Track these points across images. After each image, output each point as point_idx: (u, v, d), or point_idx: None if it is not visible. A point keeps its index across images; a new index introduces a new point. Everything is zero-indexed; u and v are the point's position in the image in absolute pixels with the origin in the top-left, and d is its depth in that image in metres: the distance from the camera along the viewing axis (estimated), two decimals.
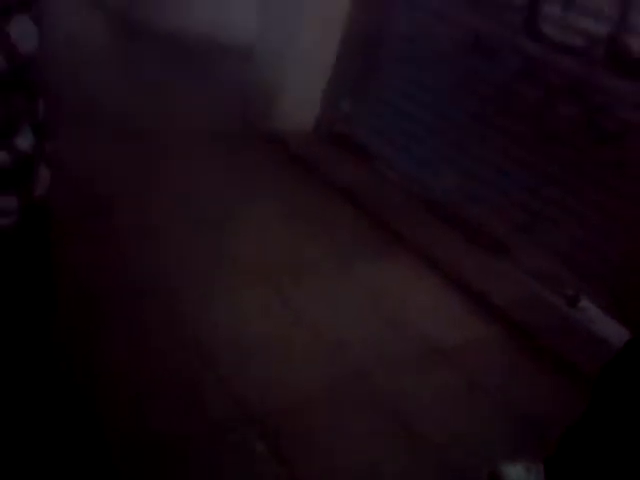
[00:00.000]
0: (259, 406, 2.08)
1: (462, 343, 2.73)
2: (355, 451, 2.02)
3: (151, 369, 2.09)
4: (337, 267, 3.02)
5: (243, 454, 1.90)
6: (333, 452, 1.99)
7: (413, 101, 3.77)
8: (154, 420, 1.90)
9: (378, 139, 4.03)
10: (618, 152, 2.88)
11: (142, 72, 4.70)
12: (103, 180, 3.13)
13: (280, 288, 2.73)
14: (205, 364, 2.19)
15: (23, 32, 0.89)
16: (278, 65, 4.09)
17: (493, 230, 3.42)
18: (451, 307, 2.97)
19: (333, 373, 2.34)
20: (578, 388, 2.38)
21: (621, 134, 2.87)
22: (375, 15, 3.94)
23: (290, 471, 1.88)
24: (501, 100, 3.34)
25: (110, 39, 5.45)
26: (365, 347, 2.51)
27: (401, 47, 3.83)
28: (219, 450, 1.87)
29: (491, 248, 3.39)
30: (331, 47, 4.10)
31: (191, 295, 2.52)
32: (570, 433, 1.96)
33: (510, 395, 2.47)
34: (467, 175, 3.53)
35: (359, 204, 3.58)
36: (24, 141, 0.95)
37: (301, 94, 4.12)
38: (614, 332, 2.84)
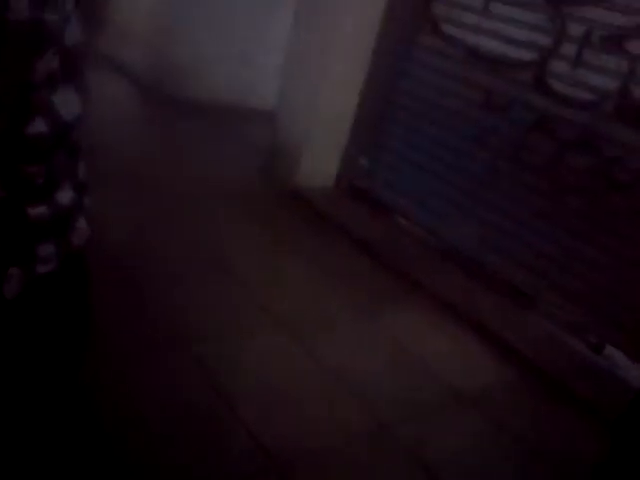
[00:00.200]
0: (280, 453, 2.10)
1: (485, 388, 2.75)
2: None
3: (175, 413, 2.14)
4: (357, 316, 3.08)
5: None
6: None
7: (428, 156, 3.89)
8: (180, 458, 1.95)
9: (396, 193, 4.14)
10: (631, 201, 2.94)
11: (170, 138, 4.91)
12: (138, 239, 3.26)
13: (303, 337, 2.79)
14: (229, 408, 2.23)
15: (67, 101, 1.01)
16: (299, 126, 4.27)
17: (511, 278, 3.46)
18: (472, 353, 2.99)
19: (354, 420, 2.37)
20: (603, 430, 2.37)
21: (633, 184, 2.93)
22: (390, 76, 4.11)
23: None
24: (514, 153, 3.44)
25: (139, 108, 5.73)
26: (387, 395, 2.54)
27: (415, 105, 3.97)
28: None
29: (510, 296, 3.42)
30: (350, 107, 4.28)
31: (221, 342, 2.60)
32: (596, 472, 1.95)
33: (538, 438, 2.48)
34: (483, 225, 3.60)
35: (378, 256, 3.66)
36: (64, 197, 1.06)
37: (322, 152, 4.28)
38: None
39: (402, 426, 2.39)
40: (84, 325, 1.17)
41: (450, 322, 3.18)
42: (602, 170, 3.05)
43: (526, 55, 3.37)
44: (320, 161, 4.32)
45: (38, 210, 1.01)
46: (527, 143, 3.39)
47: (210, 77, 5.61)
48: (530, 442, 2.46)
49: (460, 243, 3.76)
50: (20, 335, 1.06)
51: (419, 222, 4.03)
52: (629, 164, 2.95)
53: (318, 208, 4.12)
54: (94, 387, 2.03)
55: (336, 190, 4.43)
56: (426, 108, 3.91)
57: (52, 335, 1.11)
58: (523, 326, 3.22)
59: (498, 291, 3.46)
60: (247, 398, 2.32)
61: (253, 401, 2.32)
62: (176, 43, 5.50)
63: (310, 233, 3.87)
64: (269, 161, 4.49)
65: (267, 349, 2.66)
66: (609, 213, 3.04)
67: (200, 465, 1.97)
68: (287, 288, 3.18)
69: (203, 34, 5.50)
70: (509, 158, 3.47)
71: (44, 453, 1.24)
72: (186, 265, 3.14)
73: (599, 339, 3.10)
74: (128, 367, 2.32)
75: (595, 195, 3.08)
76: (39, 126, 0.96)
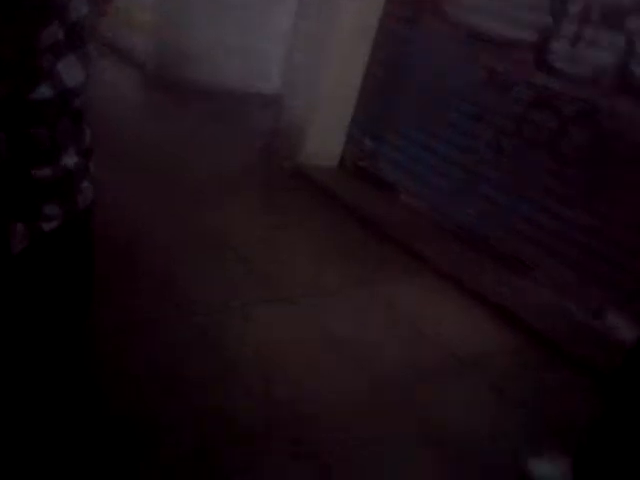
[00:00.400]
0: (285, 416, 2.17)
1: (485, 353, 2.81)
2: (386, 455, 2.10)
3: (186, 383, 2.22)
4: (362, 288, 3.15)
5: (274, 459, 2.00)
6: (354, 453, 2.07)
7: (432, 135, 3.94)
8: (193, 431, 2.03)
9: (400, 172, 4.19)
10: (630, 173, 2.97)
11: (174, 122, 4.98)
12: (140, 219, 3.34)
13: (304, 306, 2.86)
14: (235, 376, 2.31)
15: (70, 69, 1.08)
16: (303, 107, 4.32)
17: (512, 249, 3.51)
18: (473, 320, 3.06)
19: (355, 383, 2.43)
20: (603, 390, 2.43)
21: (632, 157, 2.96)
22: (393, 56, 4.14)
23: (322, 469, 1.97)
24: (516, 130, 3.47)
25: (143, 93, 5.80)
26: (393, 360, 2.61)
27: (418, 85, 4.01)
28: (254, 454, 1.98)
29: (511, 266, 3.47)
30: (353, 88, 4.32)
31: (228, 315, 2.67)
32: (594, 428, 2.02)
33: (536, 398, 2.55)
34: (485, 200, 3.64)
35: (381, 231, 3.72)
36: (69, 160, 1.12)
37: (325, 132, 4.33)
38: None
39: (403, 388, 2.46)
40: (87, 284, 1.25)
41: (451, 291, 3.25)
42: (602, 144, 3.09)
43: (527, 34, 3.40)
44: (324, 141, 4.38)
45: (43, 172, 1.08)
46: (529, 120, 3.42)
47: (214, 62, 5.67)
48: (530, 402, 2.52)
49: (462, 218, 3.81)
50: (24, 290, 1.14)
51: (422, 199, 4.09)
52: (628, 137, 2.98)
53: (322, 187, 4.19)
54: (92, 351, 2.12)
55: (340, 170, 4.49)
56: (429, 88, 3.94)
57: (55, 292, 1.18)
58: (523, 293, 3.28)
59: (499, 262, 3.52)
60: (249, 364, 2.39)
61: (255, 367, 2.38)
62: (180, 29, 5.56)
63: (313, 211, 3.93)
64: (273, 142, 4.55)
65: (268, 318, 2.72)
66: (610, 184, 3.07)
67: (202, 421, 2.05)
68: (288, 261, 3.25)
69: (207, 19, 5.55)
70: (511, 135, 3.51)
71: (41, 407, 1.30)
72: (188, 240, 3.21)
73: (598, 304, 3.15)
74: (128, 334, 2.40)
75: (595, 168, 3.12)
76: (44, 91, 1.03)
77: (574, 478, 2.05)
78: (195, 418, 2.06)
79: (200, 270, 2.97)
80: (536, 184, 3.39)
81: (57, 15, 1.02)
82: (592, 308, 3.21)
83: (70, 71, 1.08)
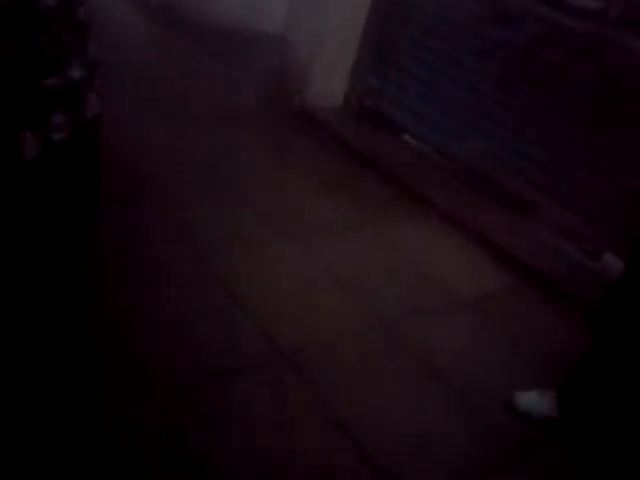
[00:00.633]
0: (290, 346, 2.26)
1: (484, 292, 2.87)
2: (379, 382, 2.19)
3: (189, 317, 2.29)
4: (365, 228, 3.19)
5: (275, 387, 2.08)
6: (357, 384, 2.16)
7: (437, 73, 3.90)
8: (193, 358, 2.11)
9: (405, 112, 4.17)
10: (636, 108, 2.96)
11: (180, 60, 4.94)
12: (150, 156, 3.37)
13: (308, 245, 2.91)
14: (241, 310, 2.38)
15: None
16: (307, 46, 4.26)
17: (517, 191, 3.53)
18: (475, 261, 3.11)
19: (358, 319, 2.51)
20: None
21: (638, 91, 2.95)
22: None
23: (319, 400, 2.05)
24: (522, 66, 3.44)
25: (149, 30, 5.72)
26: (392, 297, 2.68)
27: (424, 22, 3.95)
28: (253, 381, 2.06)
29: (515, 208, 3.50)
30: (357, 26, 4.25)
31: (229, 251, 2.73)
32: (580, 362, 2.09)
33: (531, 335, 2.62)
34: (491, 140, 3.64)
35: (384, 171, 3.73)
36: (75, 71, 1.16)
37: (330, 72, 4.29)
38: None
39: (404, 323, 2.53)
40: (93, 191, 1.29)
41: (452, 232, 3.29)
42: (607, 78, 3.06)
43: None
44: (328, 81, 4.34)
45: (50, 82, 1.11)
46: (534, 55, 3.39)
47: (221, 1, 5.56)
48: (523, 338, 2.60)
49: (465, 158, 3.82)
50: (36, 194, 1.18)
51: (426, 139, 4.08)
52: (633, 72, 2.96)
53: (325, 127, 4.17)
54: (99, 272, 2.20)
55: (345, 109, 4.46)
56: (434, 24, 3.89)
57: (64, 197, 1.23)
58: (523, 235, 3.31)
59: (500, 203, 3.54)
60: (257, 299, 2.46)
61: (263, 301, 2.45)
62: None
63: (316, 151, 3.93)
64: (278, 82, 4.51)
65: (274, 254, 2.78)
66: (613, 122, 3.07)
67: (209, 351, 2.14)
68: (291, 201, 3.28)
69: None
70: (516, 71, 3.48)
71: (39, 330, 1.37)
72: (194, 179, 3.24)
73: (595, 245, 3.19)
74: (133, 267, 2.47)
75: (600, 104, 3.11)
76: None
77: (559, 411, 2.13)
78: (194, 349, 2.14)
79: (203, 206, 3.01)
80: (540, 123, 3.38)
81: None
82: (589, 249, 3.26)
83: None
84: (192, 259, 2.62)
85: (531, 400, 2.16)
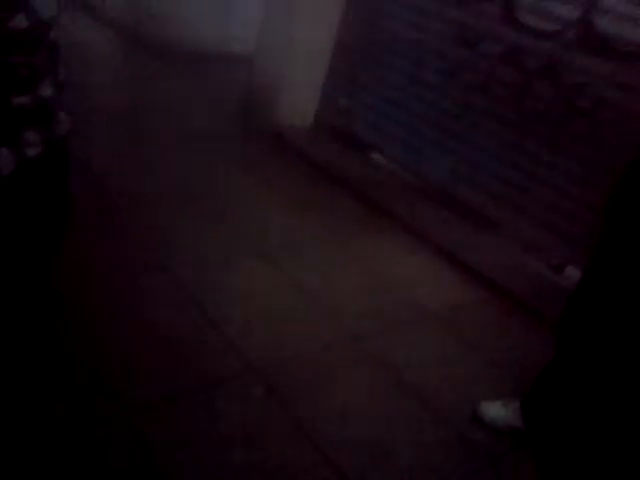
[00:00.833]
0: (259, 361, 2.29)
1: (451, 307, 2.94)
2: (347, 395, 2.22)
3: (158, 332, 2.31)
4: (334, 245, 3.24)
5: (244, 400, 2.10)
6: (325, 394, 2.20)
7: (405, 93, 4.00)
8: (162, 373, 2.12)
9: (374, 131, 4.26)
10: (591, 126, 3.09)
11: (149, 81, 4.97)
12: (118, 175, 3.38)
13: (278, 260, 2.95)
14: (212, 328, 2.40)
15: (44, 2, 1.14)
16: (277, 66, 4.34)
17: (483, 207, 3.62)
18: (440, 276, 3.18)
19: (327, 333, 2.55)
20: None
21: (593, 110, 3.07)
22: (366, 14, 4.18)
23: (287, 412, 2.08)
24: (484, 86, 3.56)
25: (118, 52, 5.75)
26: (361, 312, 2.73)
27: (391, 43, 4.06)
28: (223, 398, 2.08)
29: (481, 224, 3.59)
30: (327, 47, 4.35)
31: (203, 266, 2.76)
32: (541, 373, 2.16)
33: (496, 347, 2.69)
34: (455, 158, 3.74)
35: (354, 189, 3.81)
36: (45, 90, 1.19)
37: (300, 92, 4.37)
38: None
39: (372, 337, 2.58)
40: (64, 208, 1.33)
41: (420, 248, 3.36)
42: (564, 97, 3.18)
43: None
44: (299, 101, 4.42)
45: (22, 100, 1.15)
46: (496, 75, 3.50)
47: (189, 22, 5.62)
48: (488, 350, 2.67)
49: (433, 176, 3.91)
50: (11, 208, 1.21)
51: (395, 158, 4.17)
52: (589, 91, 3.08)
53: (295, 146, 4.24)
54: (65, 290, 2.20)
55: (315, 129, 4.54)
56: (401, 45, 4.00)
57: (37, 210, 1.26)
58: (489, 250, 3.40)
59: (467, 219, 3.64)
60: (227, 316, 2.48)
61: (233, 318, 2.48)
62: None
63: (286, 170, 3.99)
64: (248, 102, 4.58)
65: (244, 272, 2.81)
66: (571, 138, 3.18)
67: (177, 368, 2.15)
68: (260, 218, 3.32)
69: None
70: (479, 91, 3.59)
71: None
72: (163, 197, 3.26)
73: (560, 260, 3.29)
74: (102, 285, 2.48)
75: (558, 122, 3.22)
76: (20, 21, 1.09)
77: (524, 421, 2.19)
78: (163, 366, 2.15)
79: (172, 223, 3.04)
80: (502, 140, 3.49)
81: None
82: (553, 263, 3.36)
83: (44, 5, 1.14)
84: (161, 276, 2.63)
85: (496, 410, 2.22)
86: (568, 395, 2.09)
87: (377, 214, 3.64)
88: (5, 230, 1.23)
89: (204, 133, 4.24)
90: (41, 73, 1.17)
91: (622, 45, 2.96)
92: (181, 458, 1.81)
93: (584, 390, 2.05)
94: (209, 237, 3.01)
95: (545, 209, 3.34)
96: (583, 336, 2.00)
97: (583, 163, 3.13)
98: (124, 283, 2.52)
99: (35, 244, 1.29)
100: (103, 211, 2.98)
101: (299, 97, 4.40)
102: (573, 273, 3.22)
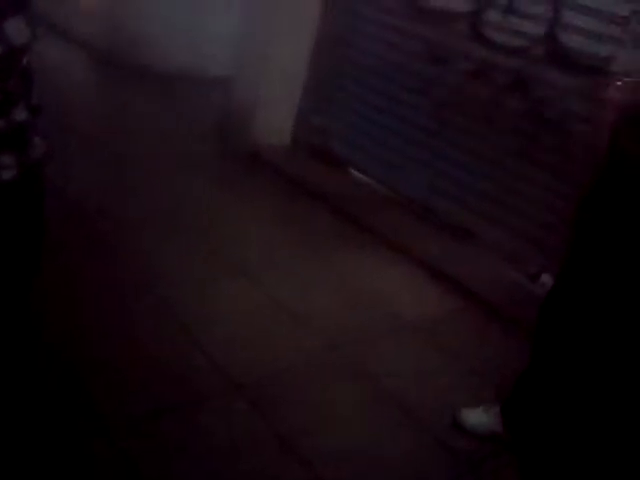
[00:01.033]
0: (242, 377, 2.30)
1: (429, 317, 2.98)
2: (329, 409, 2.24)
3: (141, 350, 2.32)
4: (314, 260, 3.28)
5: (228, 415, 2.12)
6: (308, 407, 2.22)
7: (378, 109, 4.08)
8: (145, 390, 2.13)
9: (351, 148, 4.32)
10: (559, 137, 3.17)
11: (125, 104, 5.00)
12: (96, 197, 3.40)
13: (257, 277, 2.98)
14: (196, 346, 2.42)
15: (16, 29, 1.17)
16: (253, 86, 4.39)
17: (459, 219, 3.68)
18: (420, 288, 3.22)
19: (307, 345, 2.58)
20: None
21: (560, 121, 3.15)
22: (340, 33, 4.26)
23: (271, 426, 2.10)
24: (455, 101, 3.64)
25: (93, 76, 5.80)
26: (341, 324, 2.76)
27: (363, 60, 4.14)
28: (206, 415, 2.09)
29: (458, 235, 3.65)
30: (302, 65, 4.42)
31: (181, 286, 2.78)
32: (518, 378, 2.20)
33: (475, 356, 2.73)
34: (430, 172, 3.81)
35: (331, 205, 3.85)
36: (19, 114, 1.22)
37: (276, 111, 4.42)
38: None
39: (352, 350, 2.61)
40: (39, 233, 1.35)
41: (399, 260, 3.40)
42: (534, 111, 3.27)
43: (462, 5, 3.55)
44: (275, 120, 4.46)
45: None
46: (466, 91, 3.59)
47: (164, 44, 5.67)
48: (467, 357, 2.70)
49: (411, 191, 3.97)
50: None
51: (372, 174, 4.23)
52: (557, 104, 3.17)
53: (275, 166, 4.28)
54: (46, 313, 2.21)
55: (292, 147, 4.59)
56: (373, 63, 4.08)
57: (11, 237, 1.28)
58: (466, 261, 3.45)
59: (444, 231, 3.69)
60: (210, 334, 2.50)
61: (215, 336, 2.50)
62: (129, 10, 5.54)
63: (264, 188, 4.03)
64: (225, 122, 4.62)
65: (226, 291, 2.84)
66: (542, 151, 3.26)
67: (161, 386, 2.16)
68: (240, 236, 3.35)
69: (157, 1, 5.55)
70: (451, 106, 3.67)
71: None
72: (144, 220, 3.28)
73: (537, 269, 3.35)
74: (85, 306, 2.49)
75: (528, 134, 3.31)
76: None
77: (504, 426, 2.23)
78: (146, 383, 2.16)
79: (154, 244, 3.06)
80: (476, 153, 3.56)
81: None
82: (530, 272, 3.41)
83: (16, 30, 1.17)
84: (146, 297, 2.65)
85: (477, 416, 2.25)
86: (546, 398, 2.13)
87: (356, 229, 3.68)
88: None
89: (182, 154, 4.27)
90: (15, 98, 1.20)
91: (586, 59, 3.05)
92: (167, 472, 1.82)
93: (560, 393, 2.09)
94: (193, 257, 3.04)
95: (521, 219, 3.40)
96: (555, 340, 2.05)
97: (555, 174, 3.21)
98: (108, 303, 2.54)
99: (11, 266, 1.31)
100: (84, 234, 2.99)
101: (276, 116, 4.45)
102: (548, 281, 3.27)
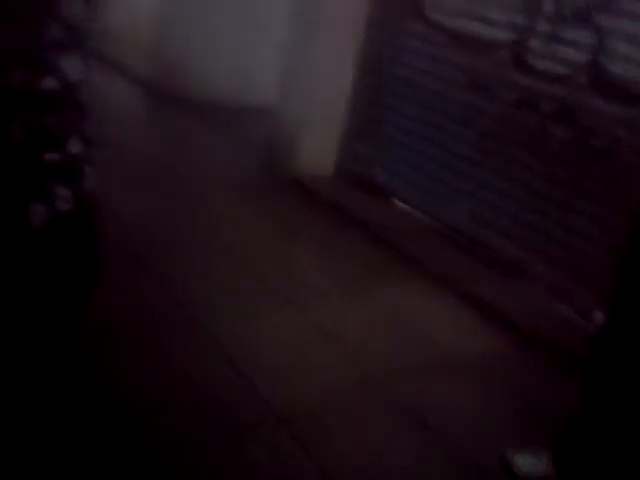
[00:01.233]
0: (285, 409, 2.28)
1: (478, 353, 2.90)
2: (375, 443, 2.19)
3: (187, 380, 2.33)
4: (356, 290, 3.26)
5: (274, 451, 2.09)
6: (354, 443, 2.17)
7: (421, 139, 4.07)
8: (190, 422, 2.12)
9: (394, 177, 4.32)
10: (607, 167, 3.09)
11: (172, 134, 5.12)
12: (148, 226, 3.47)
13: (304, 307, 2.97)
14: (240, 376, 2.42)
15: (72, 65, 1.22)
16: (297, 116, 4.47)
17: (506, 251, 3.61)
18: (467, 322, 3.15)
19: (353, 380, 2.54)
20: None
21: (607, 151, 3.08)
22: (380, 61, 4.30)
23: (316, 461, 2.06)
24: (499, 130, 3.61)
25: (141, 107, 5.96)
26: (386, 357, 2.72)
27: (406, 90, 4.16)
28: (252, 448, 2.07)
29: (506, 269, 3.57)
30: (345, 96, 4.46)
31: (227, 314, 2.79)
32: (570, 420, 2.11)
33: (524, 394, 2.64)
34: (474, 202, 3.76)
35: (376, 235, 3.84)
36: (74, 147, 1.26)
37: (320, 141, 4.47)
38: None
39: (397, 384, 2.55)
40: (94, 259, 1.37)
41: (444, 293, 3.34)
42: (580, 139, 3.21)
43: (505, 35, 3.55)
44: (318, 149, 4.51)
45: (52, 156, 1.22)
46: (510, 119, 3.55)
47: (211, 77, 5.83)
48: (517, 398, 2.61)
49: (454, 221, 3.93)
50: (41, 263, 1.26)
51: (415, 203, 4.21)
52: (603, 132, 3.10)
53: (318, 194, 4.31)
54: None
55: (335, 177, 4.62)
56: (416, 92, 4.09)
57: (65, 268, 1.30)
58: (514, 295, 3.37)
59: (490, 264, 3.62)
60: (254, 363, 2.50)
61: (259, 365, 2.50)
62: (179, 45, 5.73)
63: (308, 217, 4.05)
64: (269, 152, 4.68)
65: (270, 319, 2.84)
66: (588, 180, 3.19)
67: (211, 420, 2.15)
68: (285, 265, 3.37)
69: (205, 36, 5.72)
70: (494, 135, 3.64)
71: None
72: (191, 247, 3.34)
73: (586, 304, 3.24)
74: (132, 331, 2.53)
75: (574, 164, 3.24)
76: (50, 83, 1.18)
77: (555, 470, 2.13)
78: (189, 411, 2.17)
79: (200, 273, 3.09)
80: (522, 184, 3.51)
81: (57, 16, 1.16)
82: (581, 308, 3.30)
83: (72, 66, 1.22)
84: (189, 323, 2.67)
85: (527, 459, 2.16)
86: (600, 442, 2.03)
87: (400, 259, 3.65)
88: (34, 283, 1.27)
89: (228, 182, 4.35)
90: (70, 131, 1.24)
91: (631, 87, 2.99)
92: None
93: (615, 436, 1.99)
94: (237, 284, 3.06)
95: (568, 252, 3.30)
96: (607, 381, 1.96)
97: (604, 205, 3.12)
98: (153, 333, 2.56)
99: (64, 296, 1.33)
100: (131, 262, 3.04)
101: (319, 145, 4.50)
102: (600, 317, 3.16)
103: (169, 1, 5.84)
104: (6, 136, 1.15)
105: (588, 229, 3.22)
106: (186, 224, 3.59)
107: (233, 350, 2.55)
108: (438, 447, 2.24)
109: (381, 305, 3.16)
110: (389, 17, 4.19)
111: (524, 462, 2.16)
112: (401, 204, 4.32)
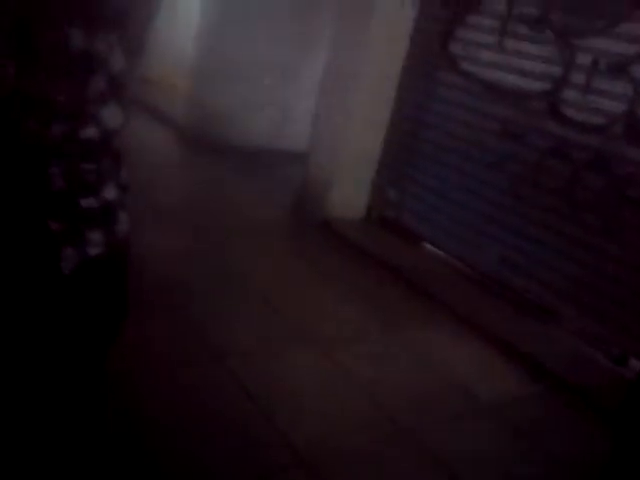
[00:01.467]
0: (310, 453, 2.26)
1: (508, 399, 2.85)
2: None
3: (209, 420, 2.33)
4: (386, 335, 3.24)
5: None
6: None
7: (452, 185, 4.08)
8: (213, 462, 2.12)
9: (424, 222, 4.32)
10: None
11: (209, 180, 5.24)
12: (180, 269, 3.53)
13: (332, 351, 2.96)
14: (265, 419, 2.41)
15: (112, 114, 1.27)
16: (329, 161, 4.53)
17: (537, 297, 3.57)
18: (496, 367, 3.10)
19: (378, 424, 2.51)
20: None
21: None
22: (413, 109, 4.35)
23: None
24: (532, 178, 3.60)
25: (181, 154, 6.12)
26: (413, 402, 2.68)
27: (438, 138, 4.19)
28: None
29: (535, 314, 3.52)
30: (377, 142, 4.53)
31: (256, 357, 2.80)
32: (605, 470, 2.04)
33: (555, 442, 2.58)
34: (506, 247, 3.74)
35: (406, 279, 3.83)
36: (109, 193, 1.30)
37: (351, 185, 4.52)
38: None
39: (425, 430, 2.52)
40: (122, 303, 1.40)
41: (473, 338, 3.31)
42: (614, 188, 3.19)
43: (539, 85, 3.56)
44: (350, 194, 4.56)
45: (88, 202, 1.25)
46: (544, 167, 3.55)
47: (246, 123, 5.98)
48: (550, 447, 2.55)
49: (484, 266, 3.90)
50: (71, 307, 1.29)
51: (446, 248, 4.20)
52: (638, 181, 3.08)
53: (349, 238, 4.33)
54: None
55: (366, 221, 4.65)
56: (448, 140, 4.12)
57: (95, 312, 1.33)
58: (545, 340, 3.32)
59: (520, 308, 3.58)
60: (279, 406, 2.49)
61: (285, 408, 2.49)
62: (215, 93, 5.90)
63: (339, 261, 4.07)
64: (302, 197, 4.75)
65: (297, 362, 2.84)
66: (623, 228, 3.16)
67: (229, 460, 2.15)
68: (315, 307, 3.37)
69: (240, 85, 5.89)
70: (527, 183, 3.63)
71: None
72: (224, 292, 3.36)
73: (620, 351, 3.17)
74: (158, 374, 2.54)
75: (609, 212, 3.21)
76: (90, 132, 1.22)
77: None
78: (214, 454, 2.16)
79: (229, 314, 3.12)
80: (554, 230, 3.48)
81: (101, 69, 1.21)
82: (614, 355, 3.24)
83: (111, 115, 1.26)
84: (217, 367, 2.68)
85: None
86: None
87: (430, 303, 3.63)
88: (63, 327, 1.31)
89: (261, 225, 4.40)
90: (106, 177, 1.28)
91: None
92: None
93: None
94: (264, 327, 3.07)
95: (600, 298, 3.27)
96: None
97: (636, 252, 3.08)
98: (179, 373, 2.58)
99: (92, 340, 1.36)
100: (159, 303, 3.08)
101: (350, 190, 4.55)
102: (637, 365, 3.09)
103: (206, 53, 6.04)
104: (46, 182, 1.20)
105: (622, 276, 3.17)
106: (216, 265, 3.63)
107: (260, 391, 2.53)
108: None
109: (409, 348, 3.13)
110: (424, 67, 4.26)
111: None
112: (431, 248, 4.32)
